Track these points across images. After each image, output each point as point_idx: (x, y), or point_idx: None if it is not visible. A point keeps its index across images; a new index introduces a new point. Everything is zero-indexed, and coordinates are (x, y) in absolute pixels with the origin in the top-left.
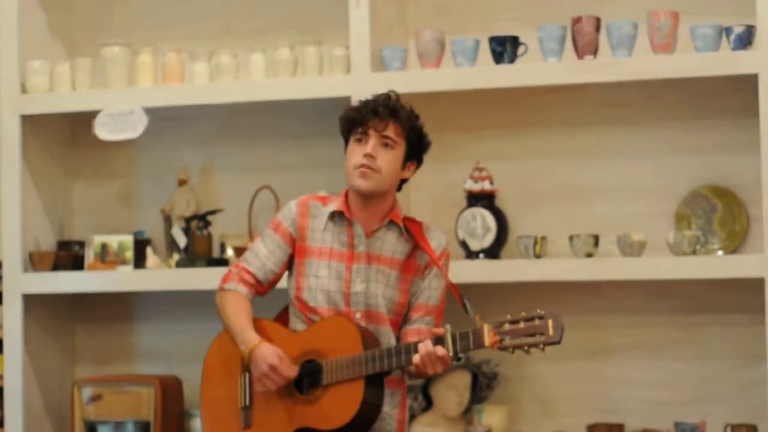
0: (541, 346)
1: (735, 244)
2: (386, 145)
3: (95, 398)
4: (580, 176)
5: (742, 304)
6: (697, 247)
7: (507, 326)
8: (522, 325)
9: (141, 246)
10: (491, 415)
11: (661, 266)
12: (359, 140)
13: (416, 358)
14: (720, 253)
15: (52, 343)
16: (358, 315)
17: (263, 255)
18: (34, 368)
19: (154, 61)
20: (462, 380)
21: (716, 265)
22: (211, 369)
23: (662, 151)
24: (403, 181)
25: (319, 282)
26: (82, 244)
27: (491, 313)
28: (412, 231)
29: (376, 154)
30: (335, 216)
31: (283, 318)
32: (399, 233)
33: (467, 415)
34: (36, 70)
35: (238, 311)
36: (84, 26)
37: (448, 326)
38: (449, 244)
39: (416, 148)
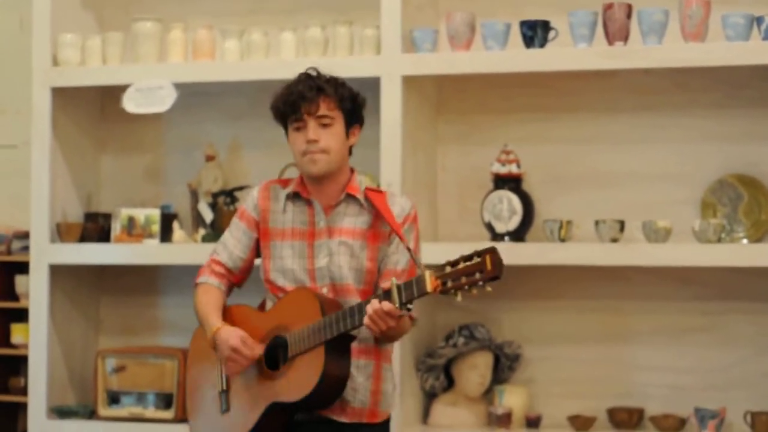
0: (481, 283)
1: (760, 233)
2: (324, 125)
3: (119, 369)
4: (607, 162)
5: (765, 292)
6: (722, 236)
7: (448, 269)
8: (461, 265)
9: (167, 220)
10: (512, 396)
11: (686, 253)
12: (298, 128)
13: (365, 319)
14: (745, 241)
15: (77, 314)
16: (324, 290)
17: (231, 244)
18: (59, 338)
19: (184, 37)
20: (484, 361)
21: (741, 253)
22: (193, 357)
23: (689, 139)
24: (351, 146)
25: (284, 262)
26: (108, 217)
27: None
28: (373, 201)
29: (318, 137)
30: (293, 197)
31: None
32: (359, 204)
33: (488, 395)
34: (68, 43)
35: (204, 302)
36: (116, 1)
37: (394, 279)
38: (415, 208)
39: (354, 113)
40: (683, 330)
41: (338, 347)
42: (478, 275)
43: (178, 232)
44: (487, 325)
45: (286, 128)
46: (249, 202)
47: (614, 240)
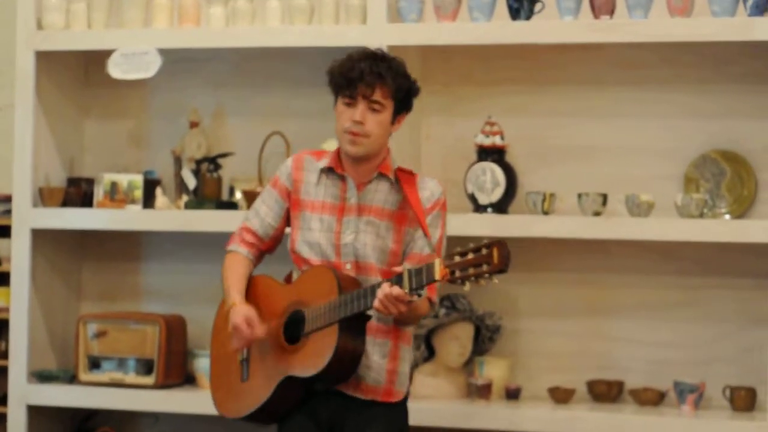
0: (488, 275)
1: (742, 208)
2: (374, 110)
3: (100, 334)
4: (591, 135)
5: (747, 268)
6: (705, 211)
7: (457, 258)
8: (470, 256)
9: (150, 186)
10: (492, 368)
11: (668, 228)
12: (348, 104)
13: (376, 303)
14: (727, 217)
15: (58, 279)
16: (348, 266)
17: (262, 211)
18: (40, 303)
19: (170, 3)
20: (465, 332)
21: (723, 228)
22: (218, 326)
23: (673, 114)
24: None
25: (312, 234)
26: (91, 182)
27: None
28: (403, 182)
29: (364, 120)
30: (328, 171)
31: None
32: (391, 184)
33: (468, 366)
34: (52, 6)
35: (230, 273)
36: None
37: (406, 264)
38: (445, 193)
39: (405, 103)
40: (664, 304)
41: (353, 326)
42: (485, 267)
43: (160, 198)
44: (469, 297)
45: (336, 95)
46: (283, 171)
47: (597, 213)
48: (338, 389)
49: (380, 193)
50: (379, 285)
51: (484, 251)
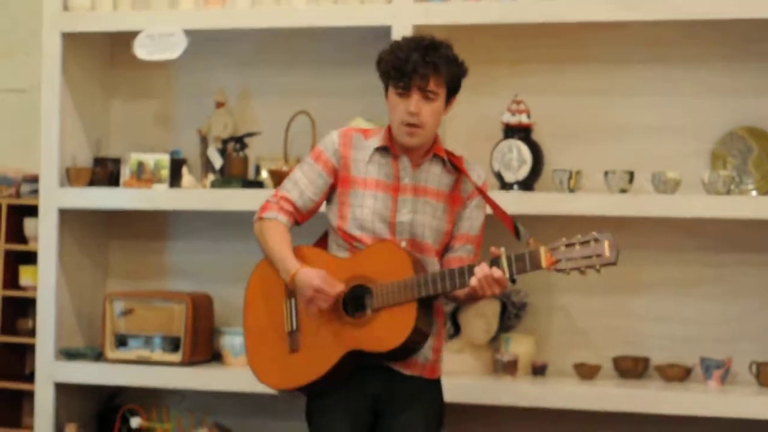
0: (598, 266)
1: None
2: (428, 98)
3: (127, 312)
4: (618, 113)
5: None
6: (732, 187)
7: (563, 248)
8: (578, 247)
9: (177, 165)
10: (518, 345)
11: (694, 204)
12: (401, 95)
13: (473, 281)
14: (754, 193)
15: (85, 258)
16: (403, 243)
17: (303, 184)
18: (67, 281)
19: None
20: (491, 309)
21: (750, 205)
22: (253, 297)
23: (700, 91)
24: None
25: (364, 212)
26: (118, 162)
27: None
28: (455, 163)
29: (419, 111)
30: (380, 149)
31: (321, 245)
32: (443, 166)
33: (494, 343)
34: None
35: (278, 240)
36: None
37: (503, 249)
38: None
39: (455, 88)
40: (690, 281)
41: (428, 305)
42: (594, 259)
43: (187, 177)
44: None
45: (386, 85)
46: (328, 145)
47: (623, 191)
48: (388, 365)
49: (433, 175)
50: (470, 268)
51: (593, 243)
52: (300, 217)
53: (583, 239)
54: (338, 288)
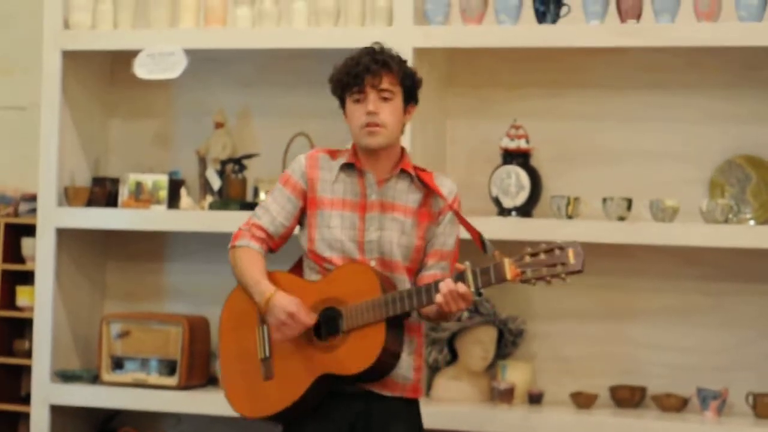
0: (563, 275)
1: (767, 214)
2: (385, 99)
3: (123, 334)
4: (616, 139)
5: None
6: (730, 216)
7: (528, 258)
8: (542, 256)
9: (175, 186)
10: (515, 372)
11: (692, 233)
12: (357, 100)
13: (438, 297)
14: (752, 222)
15: (82, 278)
16: (372, 263)
17: (274, 209)
18: (64, 302)
19: (196, 3)
20: (488, 335)
21: (748, 234)
22: (227, 324)
23: (699, 119)
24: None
25: (332, 232)
26: (116, 182)
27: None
28: (423, 179)
29: (378, 110)
30: (346, 168)
31: (296, 271)
32: (410, 181)
33: (491, 370)
34: (79, 6)
35: (251, 265)
36: None
37: (467, 263)
38: (459, 193)
39: (411, 91)
40: (688, 310)
41: (396, 324)
42: (559, 268)
43: (185, 198)
44: (492, 300)
45: (343, 101)
46: (296, 169)
47: (621, 218)
48: (365, 388)
49: (400, 191)
50: (436, 285)
51: (557, 252)
52: (273, 244)
53: (547, 248)
54: (311, 318)
